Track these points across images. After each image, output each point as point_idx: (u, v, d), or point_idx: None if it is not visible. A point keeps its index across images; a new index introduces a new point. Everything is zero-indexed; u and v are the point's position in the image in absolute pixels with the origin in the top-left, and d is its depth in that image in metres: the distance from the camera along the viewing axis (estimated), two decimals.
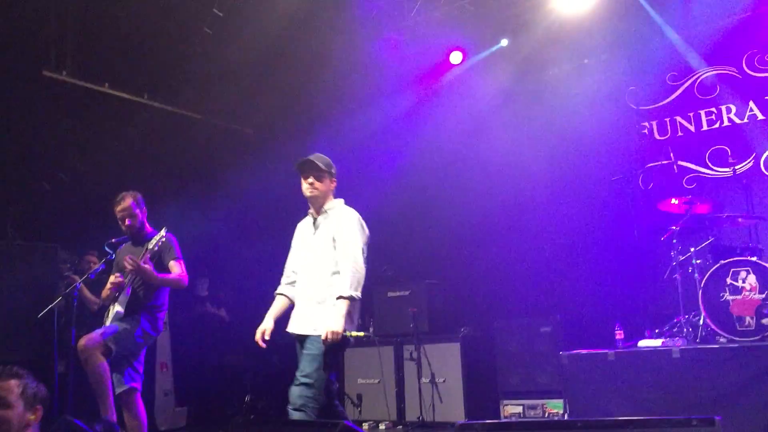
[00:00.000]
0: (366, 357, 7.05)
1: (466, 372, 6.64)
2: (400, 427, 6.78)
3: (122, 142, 7.23)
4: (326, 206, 4.33)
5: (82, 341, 4.75)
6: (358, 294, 4.07)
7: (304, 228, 4.46)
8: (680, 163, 6.66)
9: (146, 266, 4.84)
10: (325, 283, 4.14)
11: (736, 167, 6.13)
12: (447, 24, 7.59)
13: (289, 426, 3.23)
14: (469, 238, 7.81)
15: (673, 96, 7.11)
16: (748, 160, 6.57)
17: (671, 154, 6.32)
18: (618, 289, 6.72)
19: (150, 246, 4.93)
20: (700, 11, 6.76)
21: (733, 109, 6.72)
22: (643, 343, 5.46)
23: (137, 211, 5.14)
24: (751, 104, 6.63)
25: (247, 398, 7.52)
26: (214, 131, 8.45)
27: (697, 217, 5.76)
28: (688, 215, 5.71)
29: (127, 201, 5.11)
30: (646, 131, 7.22)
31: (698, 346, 5.14)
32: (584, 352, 5.56)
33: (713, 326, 5.21)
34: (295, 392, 3.99)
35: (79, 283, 5.45)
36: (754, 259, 5.22)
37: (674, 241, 5.70)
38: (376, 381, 6.96)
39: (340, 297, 4.03)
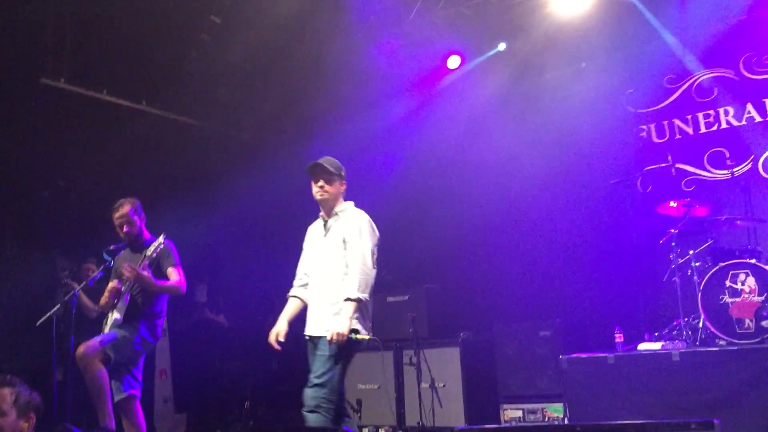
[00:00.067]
0: (365, 362, 7.01)
1: (466, 376, 6.62)
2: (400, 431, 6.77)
3: (120, 148, 7.22)
4: (336, 209, 4.38)
5: (81, 349, 4.75)
6: (365, 296, 4.11)
7: (314, 230, 4.52)
8: (678, 165, 6.65)
9: (144, 273, 4.83)
10: (337, 285, 4.19)
11: (735, 169, 6.13)
12: (445, 28, 7.60)
13: None
14: (468, 243, 7.80)
15: (671, 99, 7.11)
16: (747, 162, 6.57)
17: (669, 157, 6.32)
18: (617, 293, 6.72)
19: (148, 253, 4.93)
20: (696, 14, 6.76)
21: (731, 111, 6.73)
22: (643, 347, 5.45)
23: (135, 218, 5.15)
24: (749, 106, 6.63)
25: (246, 404, 7.50)
26: (212, 137, 8.45)
27: (695, 219, 5.76)
28: (687, 218, 5.71)
29: (125, 208, 5.11)
30: (644, 134, 7.22)
31: (698, 349, 5.14)
32: (584, 355, 5.55)
33: (713, 329, 5.20)
34: (309, 393, 4.02)
35: (78, 291, 5.44)
36: (753, 261, 5.22)
37: (673, 243, 5.70)
38: (376, 386, 6.94)
39: (347, 299, 4.08)
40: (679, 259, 5.65)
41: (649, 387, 5.09)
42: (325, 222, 4.41)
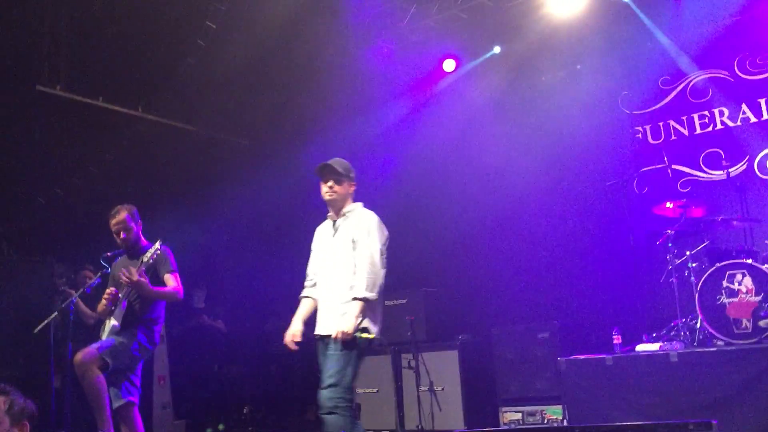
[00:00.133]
0: (364, 366, 6.95)
1: (465, 379, 6.62)
2: None
3: (117, 155, 7.24)
4: (345, 209, 4.43)
5: (79, 355, 4.74)
6: (373, 295, 4.14)
7: (323, 231, 4.56)
8: (674, 166, 6.66)
9: (142, 279, 4.83)
10: (347, 285, 4.22)
11: (730, 170, 6.14)
12: (440, 31, 7.62)
13: None
14: (465, 245, 7.80)
15: (666, 100, 7.12)
16: (742, 163, 6.58)
17: (665, 158, 6.34)
18: (615, 294, 6.72)
19: (145, 259, 4.92)
20: (690, 15, 6.78)
21: (726, 112, 6.74)
22: (641, 348, 5.45)
23: (132, 224, 5.14)
24: (744, 107, 6.65)
25: (245, 410, 7.50)
26: (209, 143, 8.46)
27: (692, 220, 5.77)
28: (684, 219, 5.72)
29: (122, 214, 5.11)
30: (639, 135, 7.23)
31: (696, 350, 5.15)
32: (582, 357, 5.55)
33: (710, 330, 5.20)
34: (325, 395, 4.04)
35: (75, 298, 5.44)
36: (749, 261, 5.22)
37: (670, 244, 5.70)
38: (375, 390, 6.94)
39: (354, 298, 4.12)
40: (676, 260, 5.66)
41: (647, 388, 5.10)
42: (334, 222, 4.46)
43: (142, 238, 5.23)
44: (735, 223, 5.74)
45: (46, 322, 5.17)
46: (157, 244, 4.96)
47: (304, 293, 4.51)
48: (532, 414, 6.33)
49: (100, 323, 5.17)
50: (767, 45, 6.56)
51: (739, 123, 6.67)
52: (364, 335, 4.09)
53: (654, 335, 5.71)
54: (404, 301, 7.20)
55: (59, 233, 7.00)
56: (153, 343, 5.10)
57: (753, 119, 6.60)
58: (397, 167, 8.08)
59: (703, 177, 6.80)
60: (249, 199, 7.80)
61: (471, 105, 7.91)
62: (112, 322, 4.94)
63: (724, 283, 5.20)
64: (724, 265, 5.25)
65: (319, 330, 4.29)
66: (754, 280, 5.08)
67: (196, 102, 7.77)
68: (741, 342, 5.00)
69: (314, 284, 4.49)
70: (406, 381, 6.84)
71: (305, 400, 7.80)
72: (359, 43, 7.59)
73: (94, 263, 5.98)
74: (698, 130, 6.90)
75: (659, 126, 7.12)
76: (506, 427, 6.32)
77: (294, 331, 4.33)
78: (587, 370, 5.41)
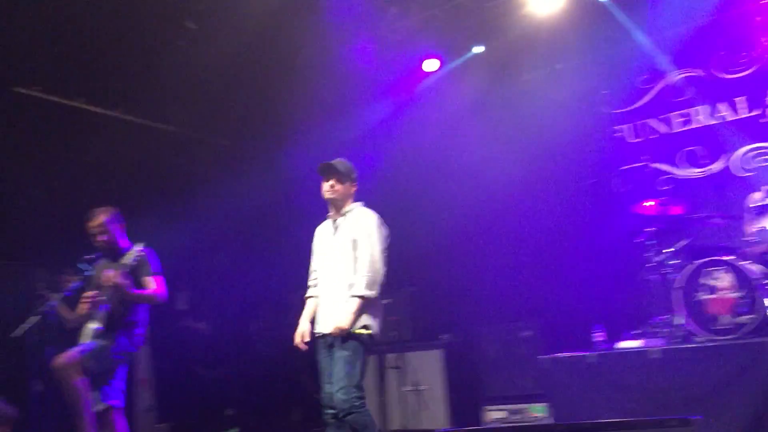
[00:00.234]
0: None
1: (449, 379, 6.64)
2: None
3: (97, 157, 7.16)
4: (345, 209, 4.51)
5: (59, 359, 4.71)
6: (372, 293, 4.24)
7: (323, 231, 4.62)
8: (654, 165, 6.72)
9: (123, 282, 4.80)
10: (347, 284, 4.30)
11: (709, 168, 6.21)
12: (421, 31, 7.62)
13: None
14: (448, 245, 7.81)
15: (646, 99, 7.19)
16: (720, 161, 6.65)
17: (645, 157, 6.39)
18: (596, 292, 6.76)
19: (126, 261, 4.89)
20: (667, 15, 6.82)
21: (703, 111, 6.81)
22: (623, 345, 5.50)
23: (110, 226, 5.11)
24: (720, 106, 6.72)
25: (229, 412, 7.46)
26: (189, 143, 8.40)
27: (671, 218, 5.81)
28: (663, 217, 5.77)
29: (100, 217, 5.08)
30: (619, 134, 7.29)
31: (677, 346, 5.18)
32: (564, 355, 5.58)
33: (691, 326, 5.25)
34: (339, 398, 4.08)
35: (55, 301, 5.38)
36: (728, 258, 5.27)
37: (650, 242, 5.75)
38: None
39: (353, 296, 4.20)
40: (657, 258, 5.70)
41: (629, 385, 5.13)
42: (334, 221, 4.53)
43: (122, 240, 5.19)
44: (714, 220, 5.80)
45: (24, 325, 5.11)
46: (139, 246, 4.93)
47: (309, 293, 4.57)
48: (515, 412, 6.37)
49: (81, 326, 5.13)
50: (743, 44, 6.64)
51: (716, 121, 6.74)
52: (361, 330, 4.19)
53: (635, 332, 5.75)
54: (389, 301, 7.18)
55: (39, 237, 6.91)
56: (134, 345, 5.07)
57: (729, 117, 6.67)
58: (379, 167, 8.07)
59: (682, 175, 6.86)
60: (231, 199, 7.75)
61: (452, 105, 7.92)
62: (93, 325, 4.90)
63: (704, 280, 5.24)
64: (704, 262, 5.30)
65: (320, 328, 4.36)
66: (733, 277, 5.14)
67: (176, 103, 7.71)
68: (722, 338, 5.05)
69: (317, 284, 4.55)
70: (390, 381, 6.85)
71: (290, 401, 7.78)
72: (340, 43, 7.57)
73: (75, 266, 5.92)
74: (677, 129, 6.96)
75: (639, 125, 7.18)
76: (487, 426, 6.35)
77: (302, 331, 4.42)
78: (569, 367, 5.44)
